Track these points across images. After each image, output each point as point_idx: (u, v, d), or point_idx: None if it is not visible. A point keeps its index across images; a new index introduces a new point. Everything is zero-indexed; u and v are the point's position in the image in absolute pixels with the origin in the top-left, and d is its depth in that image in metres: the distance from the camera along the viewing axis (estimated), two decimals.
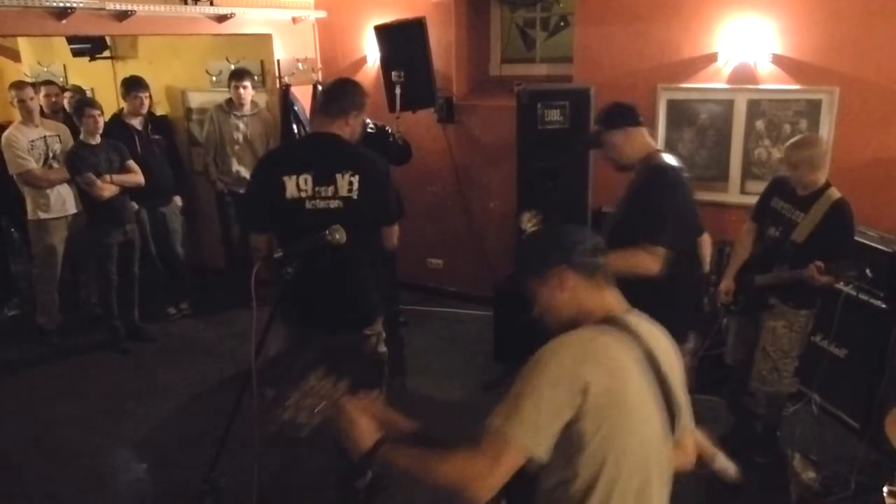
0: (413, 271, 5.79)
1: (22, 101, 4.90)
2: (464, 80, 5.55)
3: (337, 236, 2.44)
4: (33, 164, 4.86)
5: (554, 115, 4.33)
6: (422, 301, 5.53)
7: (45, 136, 4.96)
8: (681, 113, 4.64)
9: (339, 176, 2.74)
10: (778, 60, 4.27)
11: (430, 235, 5.71)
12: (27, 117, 4.92)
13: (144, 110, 5.38)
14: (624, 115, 2.91)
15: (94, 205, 4.76)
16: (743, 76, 4.39)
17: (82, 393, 4.45)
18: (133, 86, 5.31)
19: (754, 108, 4.41)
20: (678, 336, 2.37)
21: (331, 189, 2.74)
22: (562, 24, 5.43)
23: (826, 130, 4.21)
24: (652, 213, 2.73)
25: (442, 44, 5.28)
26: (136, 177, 4.91)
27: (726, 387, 3.77)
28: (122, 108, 5.53)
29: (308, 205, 2.74)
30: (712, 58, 4.46)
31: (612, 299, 1.67)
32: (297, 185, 2.73)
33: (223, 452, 2.58)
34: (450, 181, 5.58)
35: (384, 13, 5.33)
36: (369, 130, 4.94)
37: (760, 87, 4.36)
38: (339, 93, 2.87)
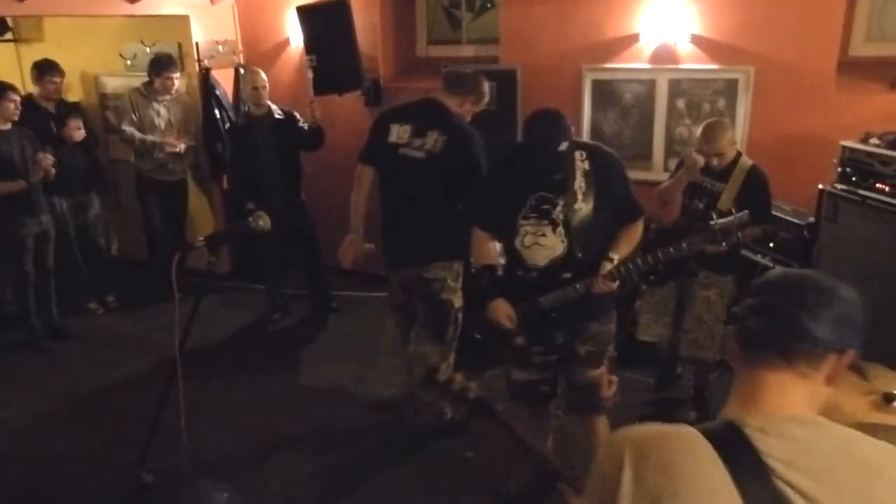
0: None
1: None
2: (390, 61, 5.49)
3: (261, 223, 2.41)
4: None
5: None
6: (353, 286, 5.48)
7: None
8: (605, 93, 4.72)
9: (430, 133, 3.30)
10: (697, 40, 4.39)
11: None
12: None
13: (58, 95, 5.11)
14: None
15: (4, 196, 4.49)
16: (664, 56, 4.49)
17: None
18: (46, 70, 5.04)
19: (675, 87, 4.53)
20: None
21: (421, 142, 3.30)
22: (488, 4, 5.42)
23: (742, 109, 4.35)
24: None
25: (367, 25, 5.20)
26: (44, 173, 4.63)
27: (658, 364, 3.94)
28: (32, 93, 5.24)
29: (402, 151, 3.34)
30: (635, 38, 4.54)
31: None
32: (398, 133, 3.36)
33: (151, 449, 2.50)
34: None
35: None
36: (276, 116, 4.85)
37: (680, 66, 4.47)
38: (472, 80, 3.42)
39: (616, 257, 2.61)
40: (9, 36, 6.20)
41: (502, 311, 2.73)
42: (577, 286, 2.62)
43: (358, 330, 4.97)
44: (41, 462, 3.59)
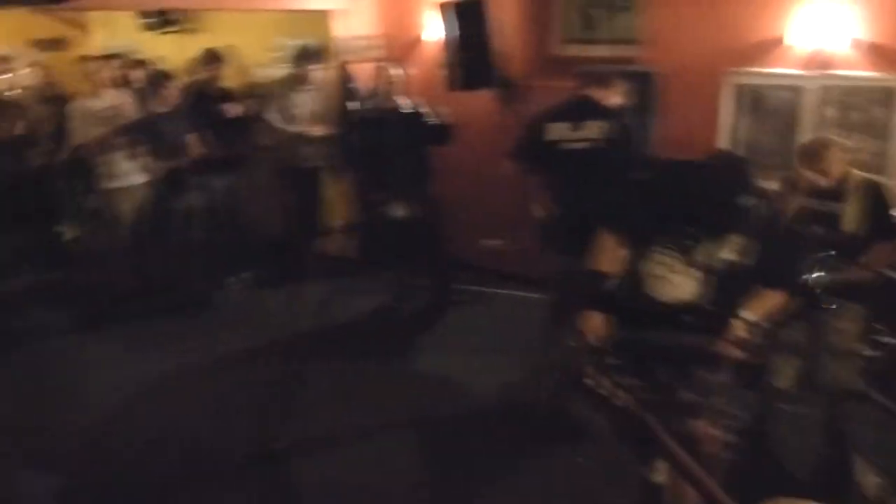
0: (470, 251, 5.80)
1: (90, 74, 5.11)
2: (525, 60, 5.49)
3: (397, 212, 2.51)
4: (87, 138, 5.06)
5: None
6: (478, 281, 5.54)
7: (110, 107, 5.13)
8: (749, 98, 4.50)
9: (590, 123, 3.56)
10: (854, 46, 4.10)
11: (487, 215, 5.70)
12: (94, 90, 5.11)
13: (220, 82, 5.50)
14: None
15: (160, 172, 4.92)
16: (816, 61, 4.23)
17: (142, 354, 4.62)
18: (212, 58, 5.44)
19: (826, 95, 4.25)
20: None
21: (583, 133, 3.57)
22: (626, 4, 5.30)
23: None
24: None
25: (504, 23, 5.23)
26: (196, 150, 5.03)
27: None
28: (198, 79, 5.65)
29: (565, 146, 3.59)
30: (784, 42, 4.31)
31: None
32: (558, 131, 3.63)
33: (280, 419, 2.64)
34: (507, 162, 5.54)
35: None
36: (407, 111, 4.98)
37: (834, 72, 4.19)
38: (613, 74, 3.74)
39: (750, 318, 2.36)
40: (176, 28, 6.74)
41: (594, 326, 2.54)
42: (696, 338, 2.40)
43: (478, 324, 5.02)
44: (171, 421, 3.88)
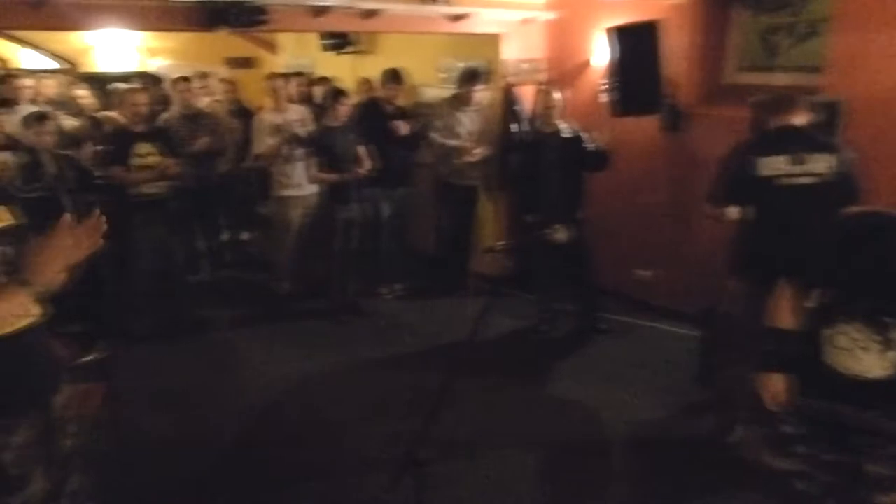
0: (619, 280, 5.66)
1: (274, 90, 5.56)
2: (694, 87, 5.30)
3: (558, 235, 2.49)
4: (265, 148, 5.49)
5: None
6: (625, 311, 5.39)
7: (290, 121, 5.54)
8: None
9: (813, 156, 3.26)
10: None
11: (639, 245, 5.55)
12: (278, 104, 5.55)
13: (398, 101, 5.78)
14: None
15: (326, 183, 5.22)
16: None
17: (297, 354, 4.89)
18: (392, 77, 5.73)
19: None
20: None
21: (804, 168, 3.27)
22: (811, 30, 4.98)
23: None
24: None
25: (675, 48, 5.08)
26: (365, 163, 5.29)
27: None
28: (374, 96, 5.96)
29: (783, 181, 3.27)
30: None
31: None
32: (772, 165, 3.29)
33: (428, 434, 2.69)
34: (666, 191, 5.37)
35: (616, 15, 5.25)
36: (566, 135, 4.94)
37: None
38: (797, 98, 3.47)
39: None
40: (352, 49, 7.17)
41: (776, 390, 2.31)
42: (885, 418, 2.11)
43: (620, 355, 4.88)
44: (309, 420, 4.08)
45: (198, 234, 6.10)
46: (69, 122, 5.39)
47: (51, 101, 5.83)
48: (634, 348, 4.95)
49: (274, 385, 4.46)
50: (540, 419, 4.11)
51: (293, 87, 5.85)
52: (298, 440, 3.86)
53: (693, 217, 5.29)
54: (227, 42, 7.07)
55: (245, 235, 6.79)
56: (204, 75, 6.48)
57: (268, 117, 5.59)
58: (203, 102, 5.91)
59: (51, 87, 6.03)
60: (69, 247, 1.83)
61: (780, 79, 5.07)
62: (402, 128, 5.64)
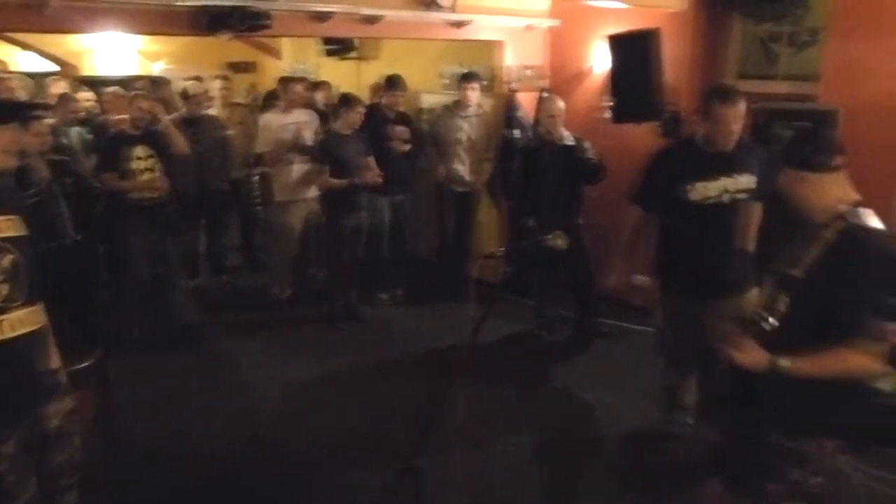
0: (619, 286, 5.66)
1: (284, 93, 5.57)
2: (694, 94, 5.31)
3: (558, 241, 2.51)
4: (268, 148, 5.50)
5: None
6: (624, 317, 5.40)
7: (297, 122, 5.56)
8: None
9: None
10: None
11: (637, 252, 5.54)
12: (285, 106, 5.57)
13: (399, 106, 5.78)
14: (798, 151, 2.28)
15: (333, 191, 5.21)
16: None
17: (297, 360, 4.87)
18: (394, 84, 5.73)
19: None
20: None
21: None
22: (809, 39, 5.01)
23: None
24: (852, 296, 2.08)
25: (674, 56, 5.11)
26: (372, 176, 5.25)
27: None
28: (376, 102, 5.96)
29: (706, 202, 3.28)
30: None
31: None
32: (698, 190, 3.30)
33: (427, 440, 2.68)
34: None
35: (617, 23, 5.27)
36: (566, 143, 4.95)
37: None
38: None
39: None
40: (354, 54, 7.20)
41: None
42: None
43: (618, 359, 4.91)
44: (312, 420, 4.08)
45: (199, 238, 6.10)
46: (74, 128, 5.37)
47: (50, 105, 5.80)
48: (632, 353, 4.95)
49: (271, 392, 4.46)
50: (538, 423, 4.12)
51: (301, 91, 5.84)
52: (296, 446, 3.86)
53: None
54: (228, 47, 7.09)
55: (246, 240, 6.79)
56: (201, 79, 6.45)
57: (274, 118, 5.59)
58: (202, 105, 5.87)
59: (54, 89, 6.01)
60: None
61: (780, 86, 5.10)
62: (402, 134, 5.63)
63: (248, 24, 4.38)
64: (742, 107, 3.20)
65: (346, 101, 5.25)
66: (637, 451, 3.82)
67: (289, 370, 4.72)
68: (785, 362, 2.10)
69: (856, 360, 2.05)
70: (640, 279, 5.60)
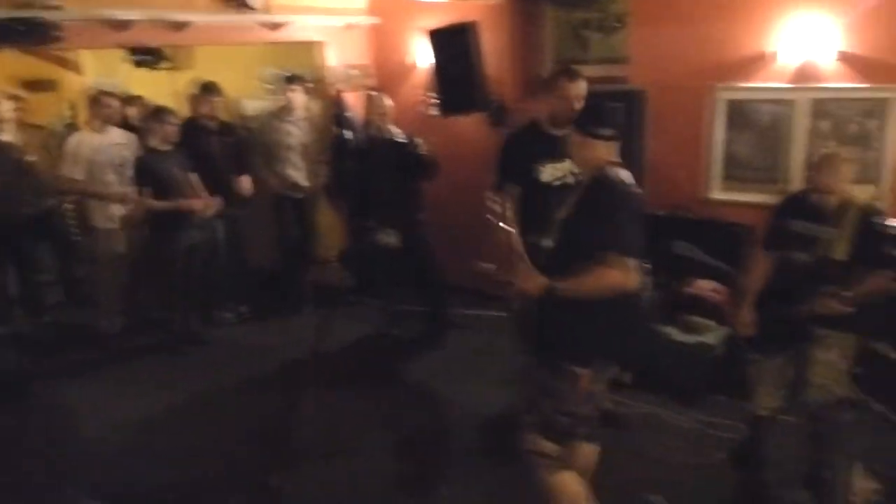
0: (463, 275, 5.76)
1: (96, 111, 5.12)
2: (516, 83, 5.51)
3: (389, 240, 2.48)
4: (80, 174, 5.01)
5: None
6: (473, 305, 5.50)
7: (115, 144, 5.12)
8: (740, 114, 4.51)
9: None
10: (843, 58, 4.11)
11: (480, 239, 5.66)
12: (99, 125, 5.13)
13: (218, 114, 5.48)
14: (586, 122, 2.66)
15: (161, 210, 4.86)
16: (805, 75, 4.24)
17: (139, 395, 4.53)
18: (208, 90, 5.41)
19: (818, 107, 4.26)
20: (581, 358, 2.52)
21: None
22: (617, 24, 5.33)
23: (894, 131, 4.03)
24: (604, 222, 2.50)
25: (494, 47, 5.25)
26: (196, 203, 4.96)
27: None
28: (194, 114, 5.63)
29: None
30: (773, 56, 4.32)
31: None
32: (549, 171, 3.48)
33: (279, 457, 2.59)
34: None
35: (436, 18, 5.34)
36: (397, 140, 4.97)
37: (824, 86, 4.20)
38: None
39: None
40: (166, 64, 6.76)
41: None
42: None
43: (470, 347, 4.99)
44: (160, 457, 3.80)
45: (6, 277, 5.46)
46: None
47: None
48: (484, 339, 5.06)
49: (111, 435, 4.08)
50: (395, 422, 4.10)
51: (117, 107, 5.37)
52: (142, 488, 3.56)
53: None
54: (19, 63, 6.43)
55: (65, 273, 6.17)
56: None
57: (87, 139, 5.09)
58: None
59: None
60: None
61: (593, 70, 5.38)
62: (225, 143, 5.38)
63: (34, 36, 3.95)
64: (584, 85, 3.42)
65: (157, 114, 4.91)
66: (499, 435, 3.86)
67: (129, 408, 4.35)
68: (557, 284, 2.47)
69: (610, 275, 2.42)
70: (486, 266, 5.75)
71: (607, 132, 2.60)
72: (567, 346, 2.61)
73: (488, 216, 3.53)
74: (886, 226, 2.95)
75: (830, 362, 3.03)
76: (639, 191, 2.67)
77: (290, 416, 2.59)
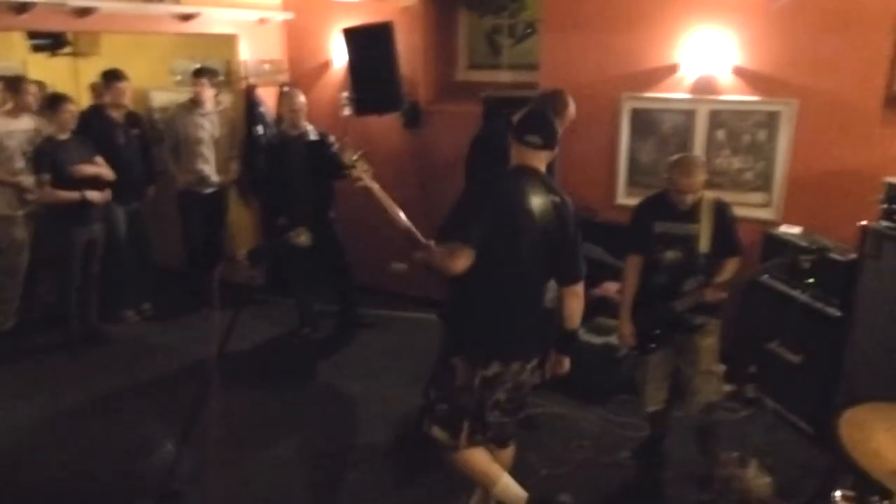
0: (376, 275, 5.77)
1: (12, 95, 4.93)
2: (430, 85, 5.55)
3: (301, 238, 2.46)
4: None
5: None
6: (385, 305, 5.50)
7: (28, 130, 4.92)
8: (644, 122, 4.70)
9: None
10: (738, 72, 4.35)
11: (393, 239, 5.67)
12: (13, 110, 4.94)
13: (125, 100, 5.26)
14: (528, 134, 2.74)
15: (60, 203, 4.64)
16: (705, 87, 4.47)
17: (31, 397, 4.32)
18: (113, 77, 5.18)
19: (715, 118, 4.49)
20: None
21: None
22: (528, 30, 5.47)
23: (784, 141, 4.30)
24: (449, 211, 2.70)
25: (409, 48, 5.28)
26: (104, 170, 4.80)
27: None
28: (98, 102, 5.39)
29: None
30: (675, 68, 4.53)
31: None
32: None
33: (180, 459, 2.52)
34: (414, 186, 5.56)
35: (352, 17, 5.32)
36: (311, 138, 4.92)
37: (721, 97, 4.44)
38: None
39: None
40: (68, 50, 6.44)
41: None
42: None
43: (382, 348, 4.99)
44: (60, 463, 3.64)
45: None
46: None
47: None
48: (395, 339, 5.08)
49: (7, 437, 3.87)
50: (307, 423, 4.06)
51: (36, 92, 5.09)
52: (37, 496, 3.40)
53: (436, 208, 5.54)
54: None
55: None
56: None
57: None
58: None
59: None
60: None
61: (505, 76, 5.51)
62: (132, 135, 5.19)
63: None
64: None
65: (52, 101, 4.70)
66: (409, 431, 3.88)
67: (20, 412, 4.12)
68: (431, 251, 2.72)
69: (440, 254, 2.63)
70: (398, 266, 5.78)
71: (535, 140, 2.69)
72: (448, 337, 2.79)
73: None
74: (734, 217, 3.23)
75: (711, 346, 3.27)
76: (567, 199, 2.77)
77: (194, 417, 2.52)
